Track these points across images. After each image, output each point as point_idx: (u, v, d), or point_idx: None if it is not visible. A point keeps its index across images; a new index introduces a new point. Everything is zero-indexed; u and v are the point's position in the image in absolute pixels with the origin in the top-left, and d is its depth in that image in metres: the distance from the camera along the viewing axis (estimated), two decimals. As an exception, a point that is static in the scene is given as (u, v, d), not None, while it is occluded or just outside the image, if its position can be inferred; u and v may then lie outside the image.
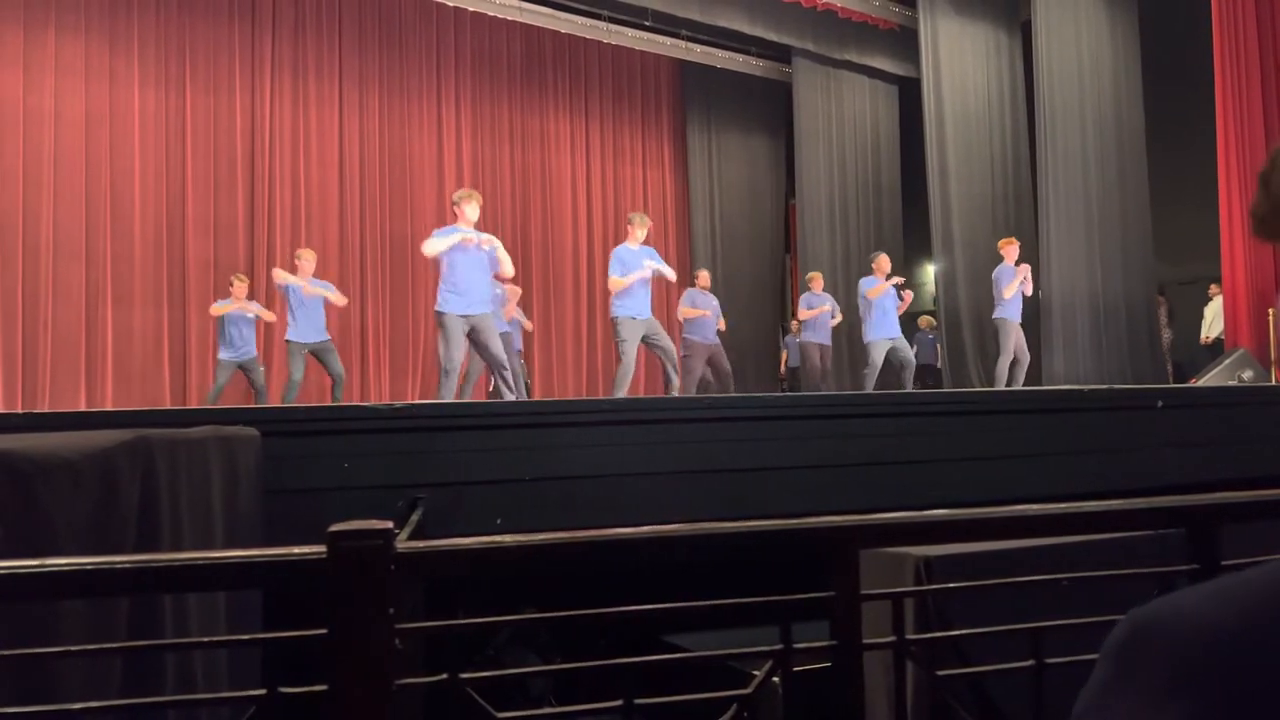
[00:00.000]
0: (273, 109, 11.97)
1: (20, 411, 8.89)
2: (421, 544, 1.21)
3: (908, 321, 14.56)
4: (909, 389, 9.33)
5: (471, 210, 6.88)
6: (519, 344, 10.10)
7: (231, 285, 9.09)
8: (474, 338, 6.72)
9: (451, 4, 12.20)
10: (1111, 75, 11.12)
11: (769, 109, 15.60)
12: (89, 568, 1.08)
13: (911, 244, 14.58)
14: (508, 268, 6.97)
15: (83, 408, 10.09)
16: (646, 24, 13.29)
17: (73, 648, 1.15)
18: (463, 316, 6.62)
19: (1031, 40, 11.42)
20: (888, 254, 13.18)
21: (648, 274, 7.61)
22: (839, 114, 14.27)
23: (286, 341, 8.58)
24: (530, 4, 12.56)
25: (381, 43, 12.76)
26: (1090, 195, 10.91)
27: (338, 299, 8.76)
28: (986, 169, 12.47)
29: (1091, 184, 10.93)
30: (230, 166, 11.66)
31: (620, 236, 14.75)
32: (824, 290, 10.66)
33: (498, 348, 6.78)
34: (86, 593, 1.22)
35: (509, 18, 12.62)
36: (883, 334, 9.33)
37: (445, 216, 12.97)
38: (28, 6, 10.44)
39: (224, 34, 11.68)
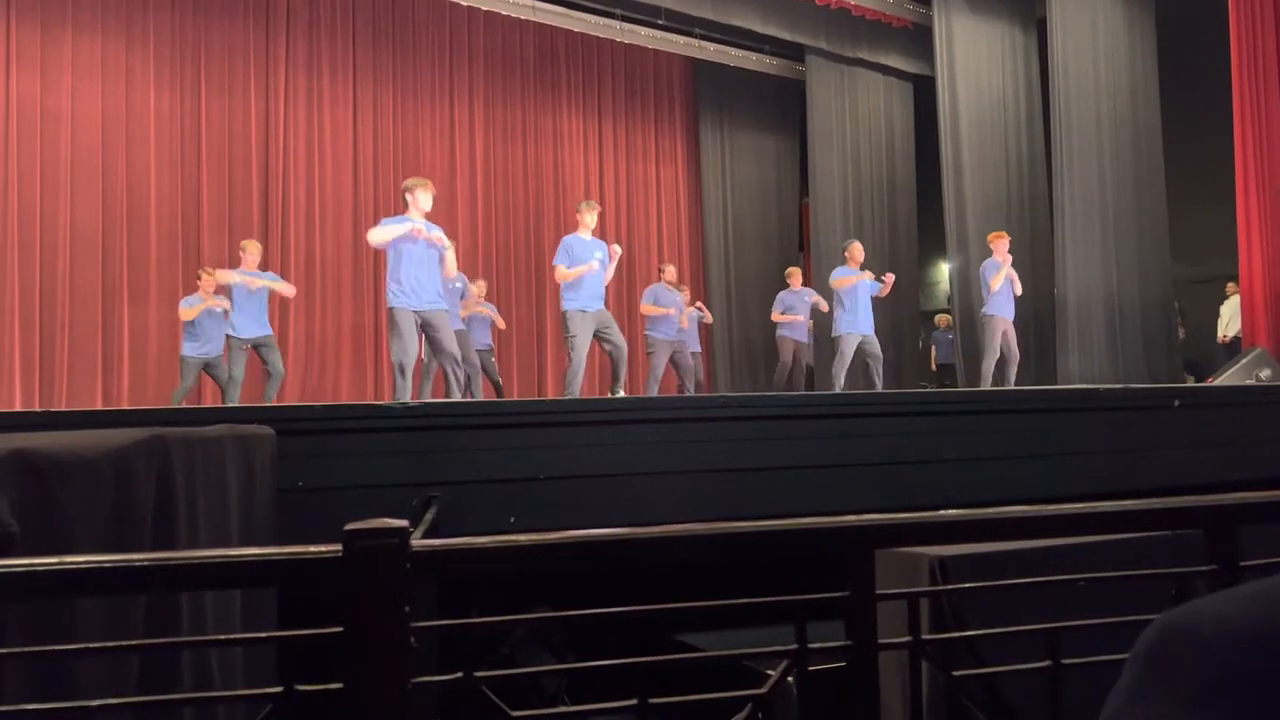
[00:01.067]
0: (287, 108, 12.01)
1: (38, 410, 8.96)
2: (436, 542, 1.21)
3: (925, 321, 14.58)
4: (879, 386, 9.21)
5: (425, 199, 6.54)
6: (486, 340, 9.91)
7: (199, 279, 8.46)
8: (427, 333, 6.50)
9: (465, 3, 12.21)
10: (1128, 72, 11.05)
11: (782, 107, 15.57)
12: (107, 565, 1.08)
13: (926, 242, 14.54)
14: (450, 269, 6.69)
15: (99, 406, 10.15)
16: (660, 23, 13.28)
17: (91, 645, 1.16)
18: (414, 312, 6.37)
19: (1047, 37, 11.36)
20: (904, 252, 13.15)
21: (597, 268, 7.32)
22: (853, 112, 14.23)
23: (226, 336, 8.18)
24: (543, 3, 12.57)
25: (395, 42, 12.80)
26: (1106, 193, 10.85)
27: (285, 289, 8.45)
28: (1001, 167, 12.41)
29: (1107, 182, 10.86)
30: (245, 166, 11.71)
31: (634, 234, 14.80)
32: (803, 285, 10.54)
33: (451, 343, 6.51)
34: (104, 590, 1.22)
35: (522, 17, 12.63)
36: (852, 328, 9.05)
37: (459, 214, 13.04)
38: (44, 7, 10.50)
39: (239, 34, 11.73)
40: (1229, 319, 11.21)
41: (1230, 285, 11.10)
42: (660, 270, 10.01)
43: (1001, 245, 9.06)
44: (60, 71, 10.58)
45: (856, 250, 9.34)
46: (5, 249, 10.18)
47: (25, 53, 10.39)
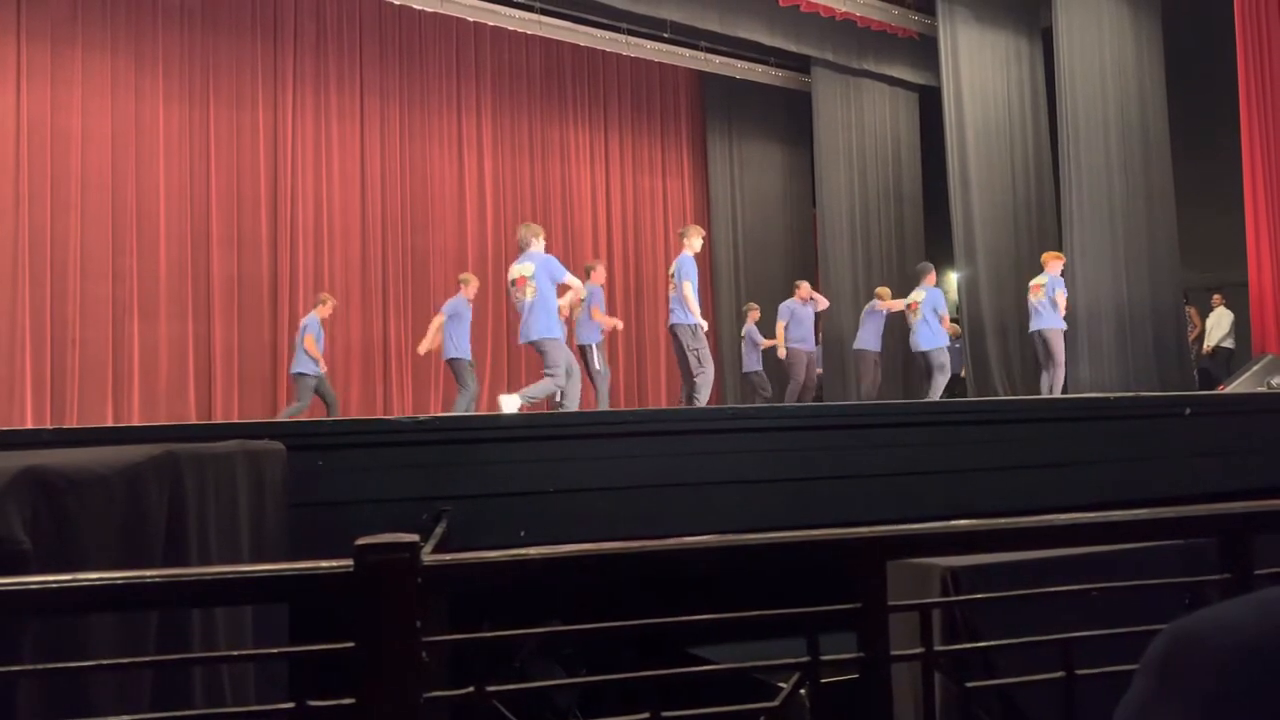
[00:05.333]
0: (294, 124, 12.06)
1: (50, 427, 8.98)
2: (447, 557, 1.21)
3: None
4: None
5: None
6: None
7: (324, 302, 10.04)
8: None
9: (471, 19, 12.26)
10: (1135, 80, 11.02)
11: (790, 118, 15.56)
12: (119, 582, 1.09)
13: (933, 252, 14.50)
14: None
15: (110, 423, 10.18)
16: (665, 36, 13.31)
17: (103, 661, 1.16)
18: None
19: (1053, 46, 11.35)
20: (912, 262, 13.18)
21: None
22: (859, 123, 14.23)
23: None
24: (550, 18, 12.62)
25: (402, 58, 12.85)
26: (1114, 201, 10.82)
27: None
28: (1008, 176, 12.39)
29: (1115, 190, 10.83)
30: (253, 182, 11.76)
31: (641, 247, 14.81)
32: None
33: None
34: (117, 607, 1.23)
35: (528, 31, 12.68)
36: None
37: (467, 227, 13.06)
38: (54, 25, 10.58)
39: (246, 50, 11.79)
40: (1214, 330, 11.35)
41: (1216, 296, 11.21)
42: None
43: (1058, 264, 9.64)
44: (70, 89, 10.65)
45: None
46: (16, 267, 10.23)
47: (35, 70, 10.46)
